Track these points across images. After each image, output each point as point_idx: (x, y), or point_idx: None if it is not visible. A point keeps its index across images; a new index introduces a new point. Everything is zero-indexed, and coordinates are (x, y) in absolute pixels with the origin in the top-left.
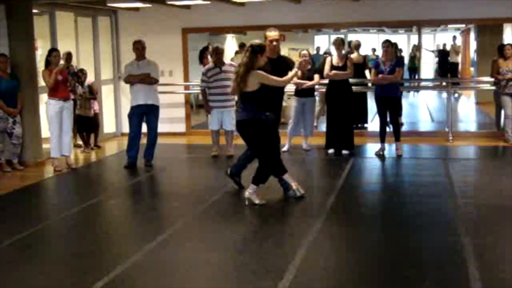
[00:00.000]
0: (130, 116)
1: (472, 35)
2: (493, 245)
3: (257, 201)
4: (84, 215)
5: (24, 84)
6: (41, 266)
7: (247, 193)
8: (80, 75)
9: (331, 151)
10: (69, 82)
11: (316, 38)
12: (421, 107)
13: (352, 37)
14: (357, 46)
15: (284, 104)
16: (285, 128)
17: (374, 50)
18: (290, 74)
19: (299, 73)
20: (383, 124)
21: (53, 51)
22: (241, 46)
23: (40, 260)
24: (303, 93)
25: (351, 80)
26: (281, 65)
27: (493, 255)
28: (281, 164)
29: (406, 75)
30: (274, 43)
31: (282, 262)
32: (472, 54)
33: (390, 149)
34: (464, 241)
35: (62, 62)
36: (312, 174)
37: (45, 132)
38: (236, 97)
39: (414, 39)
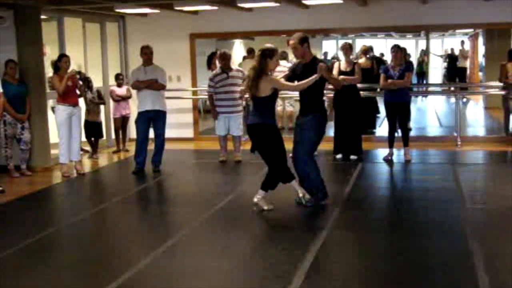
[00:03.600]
0: (138, 122)
1: (480, 40)
2: (502, 250)
3: (265, 207)
4: (92, 221)
5: (33, 89)
6: (49, 271)
7: (255, 199)
8: (89, 80)
9: (339, 156)
10: (78, 87)
11: (324, 43)
12: (429, 112)
13: (360, 42)
14: (365, 51)
15: (291, 109)
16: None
17: (382, 54)
18: (307, 80)
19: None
20: (392, 129)
21: (62, 56)
22: (249, 51)
23: (48, 266)
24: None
25: (358, 85)
26: (314, 69)
27: (502, 260)
28: (288, 171)
29: (414, 80)
30: (292, 49)
31: (291, 267)
32: (481, 58)
33: (398, 154)
34: (473, 246)
35: (72, 67)
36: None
37: (53, 137)
38: (243, 102)
39: (422, 44)
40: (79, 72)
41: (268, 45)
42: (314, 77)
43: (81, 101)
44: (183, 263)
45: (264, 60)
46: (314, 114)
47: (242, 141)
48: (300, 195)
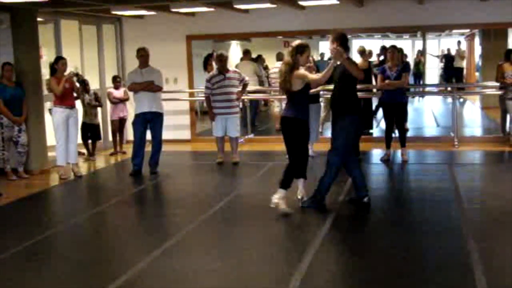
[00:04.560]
0: (134, 123)
1: (476, 40)
2: (499, 250)
3: (286, 209)
4: (90, 223)
5: (29, 92)
6: (47, 273)
7: (275, 199)
8: (87, 82)
9: None
10: (75, 90)
11: (320, 44)
12: (426, 113)
13: (356, 43)
14: (362, 52)
15: None
16: None
17: (379, 55)
18: (326, 69)
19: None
20: (389, 130)
21: (60, 59)
22: (246, 52)
23: (46, 268)
24: (308, 99)
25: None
26: (343, 70)
27: (499, 260)
28: (305, 168)
29: (411, 80)
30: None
31: (288, 268)
32: (477, 59)
33: (395, 155)
34: (470, 246)
35: (71, 70)
36: (318, 180)
37: (50, 140)
38: (240, 104)
39: (418, 44)
40: (77, 74)
41: (300, 41)
42: (331, 64)
43: (78, 103)
44: (181, 264)
45: (295, 56)
46: (347, 116)
47: (239, 142)
48: (299, 196)
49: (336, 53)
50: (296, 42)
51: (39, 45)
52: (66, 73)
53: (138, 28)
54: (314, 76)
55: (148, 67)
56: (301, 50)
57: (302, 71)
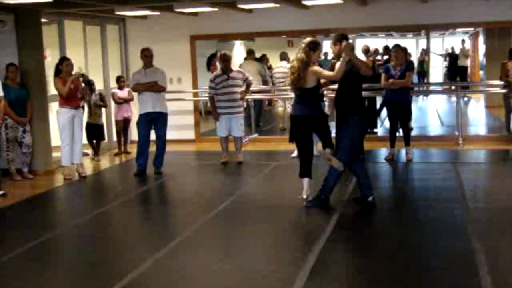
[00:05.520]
0: (139, 124)
1: (481, 39)
2: (505, 249)
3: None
4: (95, 223)
5: (34, 93)
6: (52, 274)
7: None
8: (92, 83)
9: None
10: (82, 90)
11: (324, 43)
12: (430, 111)
13: (360, 42)
14: (366, 50)
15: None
16: None
17: (382, 54)
18: (338, 64)
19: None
20: (393, 129)
21: (64, 59)
22: (249, 52)
23: (51, 268)
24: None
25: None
26: (348, 69)
27: (505, 259)
28: (310, 167)
29: (415, 79)
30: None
31: (293, 268)
32: (481, 57)
33: (400, 154)
34: (475, 245)
35: (76, 71)
36: (322, 180)
37: (54, 140)
38: (244, 104)
39: (422, 43)
40: (83, 75)
41: (311, 38)
42: (342, 59)
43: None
44: (186, 264)
45: (309, 53)
46: (352, 116)
47: (244, 142)
48: (304, 196)
49: (346, 49)
50: (308, 39)
51: (43, 46)
52: (77, 72)
53: (142, 29)
54: (329, 72)
55: (152, 67)
56: (314, 47)
57: (317, 67)
